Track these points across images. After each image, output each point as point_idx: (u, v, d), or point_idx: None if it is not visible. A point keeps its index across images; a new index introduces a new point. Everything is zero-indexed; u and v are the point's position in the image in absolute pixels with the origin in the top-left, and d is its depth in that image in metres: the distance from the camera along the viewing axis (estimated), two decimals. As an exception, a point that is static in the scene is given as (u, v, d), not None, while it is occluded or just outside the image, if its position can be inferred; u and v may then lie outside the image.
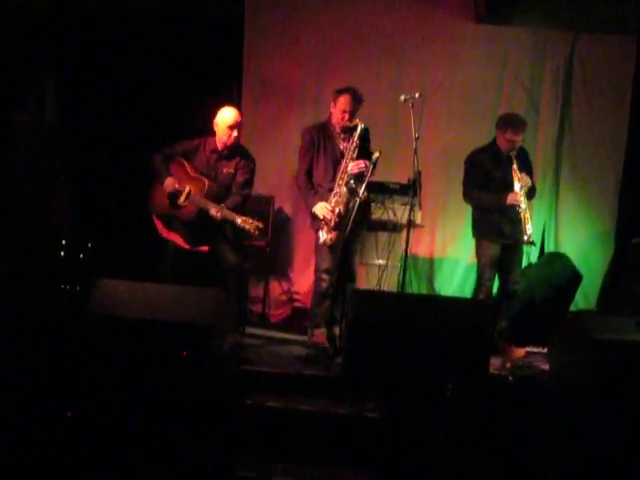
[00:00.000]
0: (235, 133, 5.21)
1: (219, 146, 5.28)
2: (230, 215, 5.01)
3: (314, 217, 5.19)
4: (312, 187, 5.26)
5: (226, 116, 5.22)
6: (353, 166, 5.05)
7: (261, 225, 4.98)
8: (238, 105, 6.56)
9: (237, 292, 5.27)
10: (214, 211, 5.00)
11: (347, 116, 5.16)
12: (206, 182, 5.15)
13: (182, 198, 5.15)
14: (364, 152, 5.12)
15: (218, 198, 5.13)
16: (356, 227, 5.08)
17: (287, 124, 6.58)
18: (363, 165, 5.02)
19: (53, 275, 5.76)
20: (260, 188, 6.09)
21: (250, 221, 4.95)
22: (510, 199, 5.38)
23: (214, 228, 5.15)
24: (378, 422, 4.05)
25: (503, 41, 6.72)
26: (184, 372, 4.11)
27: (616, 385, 4.34)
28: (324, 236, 5.08)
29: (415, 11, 6.64)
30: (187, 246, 5.20)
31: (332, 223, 5.05)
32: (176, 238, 5.21)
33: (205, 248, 5.21)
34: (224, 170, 5.26)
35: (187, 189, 5.14)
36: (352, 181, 5.03)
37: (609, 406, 4.21)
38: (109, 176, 6.20)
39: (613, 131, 6.81)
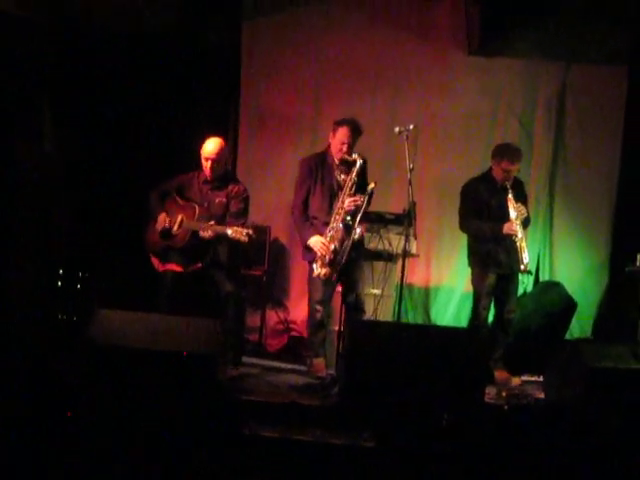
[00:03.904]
0: (209, 164, 5.24)
1: (207, 177, 5.32)
2: (220, 229, 5.01)
3: (307, 249, 5.22)
4: (307, 219, 5.30)
5: (203, 148, 5.28)
6: (350, 202, 5.08)
7: (251, 231, 4.96)
8: (234, 135, 6.66)
9: (235, 321, 5.28)
10: (202, 232, 5.01)
11: (346, 147, 5.20)
12: (196, 207, 5.20)
13: (175, 227, 5.18)
14: (361, 185, 5.15)
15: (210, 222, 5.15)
16: (351, 263, 5.10)
17: (284, 154, 6.64)
18: (360, 202, 5.04)
19: (50, 305, 5.77)
20: (256, 218, 6.13)
21: (240, 230, 4.95)
22: (506, 228, 5.41)
23: (207, 249, 5.17)
24: (374, 452, 4.04)
25: (496, 72, 6.79)
26: (181, 401, 4.12)
27: (612, 413, 4.35)
28: (318, 270, 5.11)
29: (409, 44, 6.73)
30: (182, 269, 5.22)
31: (326, 259, 5.08)
32: (172, 266, 5.24)
33: (198, 266, 5.22)
34: (216, 200, 5.29)
35: (179, 218, 5.18)
36: (348, 218, 5.07)
37: (605, 434, 4.21)
38: (106, 206, 6.20)
39: (606, 160, 6.87)
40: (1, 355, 4.61)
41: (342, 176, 5.22)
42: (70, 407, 3.99)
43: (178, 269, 5.22)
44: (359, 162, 5.11)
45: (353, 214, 5.06)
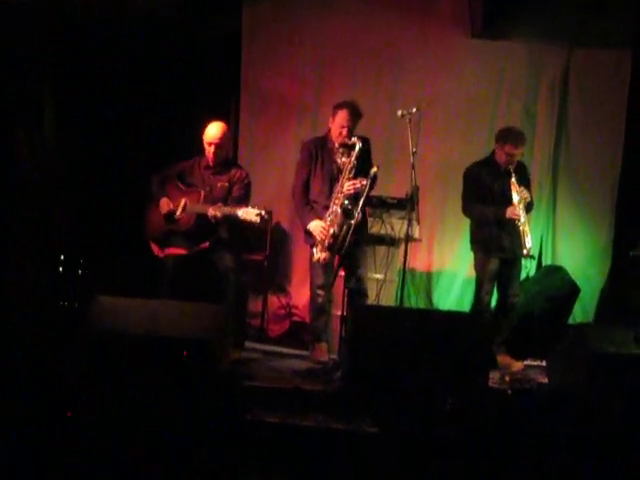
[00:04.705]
0: (212, 149, 5.22)
1: (209, 162, 5.30)
2: (230, 210, 5.01)
3: (308, 234, 5.21)
4: (307, 202, 5.28)
5: (205, 132, 5.27)
6: (349, 185, 5.04)
7: (263, 212, 4.96)
8: (235, 120, 6.63)
9: (237, 304, 5.27)
10: (212, 210, 5.00)
11: (345, 131, 5.16)
12: (202, 192, 5.19)
13: (178, 211, 5.17)
14: (364, 164, 5.10)
15: None
16: (354, 247, 5.06)
17: (285, 139, 6.62)
18: (359, 185, 5.01)
19: (51, 291, 5.76)
20: (258, 202, 6.09)
21: (250, 211, 4.94)
22: (509, 212, 5.39)
23: (214, 229, 5.17)
24: (377, 437, 4.04)
25: (499, 55, 6.73)
26: (182, 389, 4.11)
27: (615, 398, 4.34)
28: (317, 254, 5.10)
29: (412, 27, 6.67)
30: (186, 252, 5.21)
31: (325, 243, 5.06)
32: (174, 251, 5.23)
33: (205, 245, 5.22)
34: (218, 184, 5.28)
35: (183, 202, 5.17)
36: (347, 202, 5.03)
37: (608, 419, 4.21)
38: (108, 193, 6.18)
39: (609, 144, 6.80)
40: (1, 355, 4.59)
41: (343, 159, 5.19)
42: (70, 407, 3.98)
43: (181, 252, 5.20)
44: (358, 145, 5.07)
45: (354, 198, 5.03)
